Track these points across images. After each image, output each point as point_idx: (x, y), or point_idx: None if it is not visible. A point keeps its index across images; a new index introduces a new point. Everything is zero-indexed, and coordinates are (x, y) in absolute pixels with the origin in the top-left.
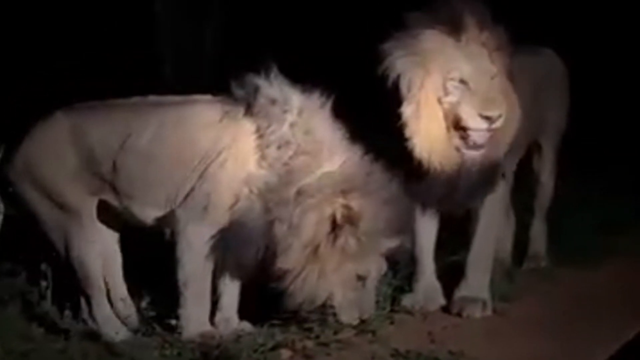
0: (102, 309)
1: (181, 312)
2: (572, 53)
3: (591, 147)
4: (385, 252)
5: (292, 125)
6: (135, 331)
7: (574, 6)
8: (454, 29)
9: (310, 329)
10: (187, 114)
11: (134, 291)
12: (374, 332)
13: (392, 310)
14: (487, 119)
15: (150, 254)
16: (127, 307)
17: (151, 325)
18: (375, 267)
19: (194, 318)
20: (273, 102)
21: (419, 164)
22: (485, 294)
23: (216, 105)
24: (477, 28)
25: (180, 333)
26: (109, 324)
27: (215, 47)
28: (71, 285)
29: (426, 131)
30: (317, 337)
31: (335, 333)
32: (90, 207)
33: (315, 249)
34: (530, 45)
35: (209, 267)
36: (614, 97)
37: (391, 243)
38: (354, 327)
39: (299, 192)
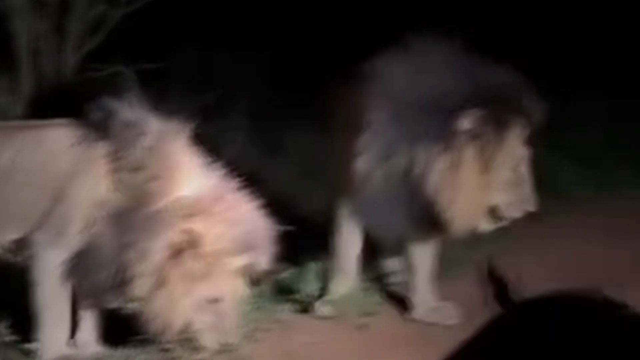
0: None
1: (39, 335)
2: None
3: None
4: (237, 271)
5: (146, 149)
6: None
7: None
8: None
9: (169, 350)
10: (44, 138)
11: None
12: (235, 351)
13: (252, 329)
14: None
15: (9, 277)
16: None
17: (10, 350)
18: (229, 289)
19: (52, 341)
20: (128, 125)
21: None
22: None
23: (73, 129)
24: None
25: (39, 357)
26: None
27: (75, 69)
28: None
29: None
30: (177, 357)
31: (196, 353)
32: None
33: (164, 275)
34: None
35: (66, 290)
36: None
37: (240, 262)
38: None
39: (149, 218)
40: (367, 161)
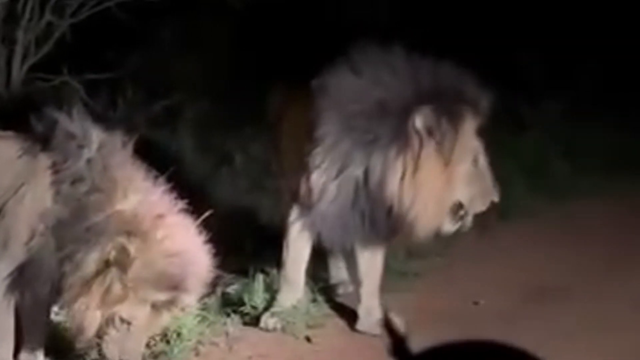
0: None
1: None
2: None
3: None
4: (156, 304)
5: (88, 161)
6: None
7: None
8: (481, 120)
9: None
10: None
11: None
12: None
13: (197, 342)
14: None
15: None
16: None
17: None
18: (142, 315)
19: None
20: (71, 137)
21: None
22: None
23: (15, 141)
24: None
25: None
26: None
27: (23, 80)
28: None
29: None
30: None
31: None
32: None
33: (87, 284)
34: None
35: (10, 304)
36: None
37: (161, 296)
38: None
39: (88, 230)
40: (322, 174)
